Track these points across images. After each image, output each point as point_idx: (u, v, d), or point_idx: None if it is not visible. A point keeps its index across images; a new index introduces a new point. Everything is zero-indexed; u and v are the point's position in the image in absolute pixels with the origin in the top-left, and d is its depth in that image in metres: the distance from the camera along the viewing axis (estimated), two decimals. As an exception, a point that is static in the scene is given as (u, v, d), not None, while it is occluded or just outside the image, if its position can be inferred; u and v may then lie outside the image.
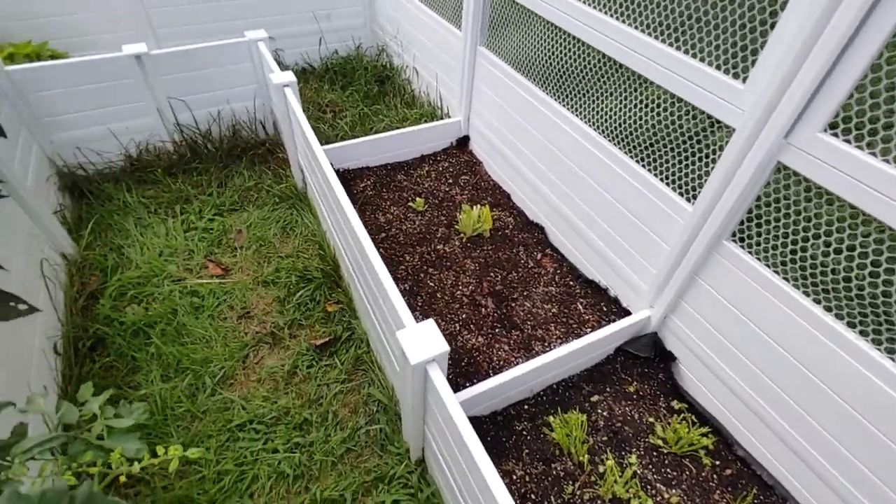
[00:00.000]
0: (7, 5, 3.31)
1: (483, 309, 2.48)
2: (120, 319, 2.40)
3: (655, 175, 2.04)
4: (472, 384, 1.93)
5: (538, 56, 2.55)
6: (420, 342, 1.43)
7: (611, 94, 2.17)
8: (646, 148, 2.06)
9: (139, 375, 2.24)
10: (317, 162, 2.31)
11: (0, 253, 1.89)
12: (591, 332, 2.34)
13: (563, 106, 2.47)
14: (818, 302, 1.57)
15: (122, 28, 3.70)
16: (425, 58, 3.79)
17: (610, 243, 2.40)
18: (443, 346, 1.43)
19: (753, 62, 1.50)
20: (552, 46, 2.43)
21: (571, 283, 2.64)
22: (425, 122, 3.73)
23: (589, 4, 2.08)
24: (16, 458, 1.05)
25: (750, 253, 1.74)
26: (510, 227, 2.97)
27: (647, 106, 1.99)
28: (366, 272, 1.95)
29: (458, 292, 2.55)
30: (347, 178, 3.21)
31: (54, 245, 2.52)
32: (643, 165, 2.08)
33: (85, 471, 1.14)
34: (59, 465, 1.10)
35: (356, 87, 4.21)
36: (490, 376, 2.14)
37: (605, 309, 2.50)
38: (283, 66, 4.26)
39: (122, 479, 1.20)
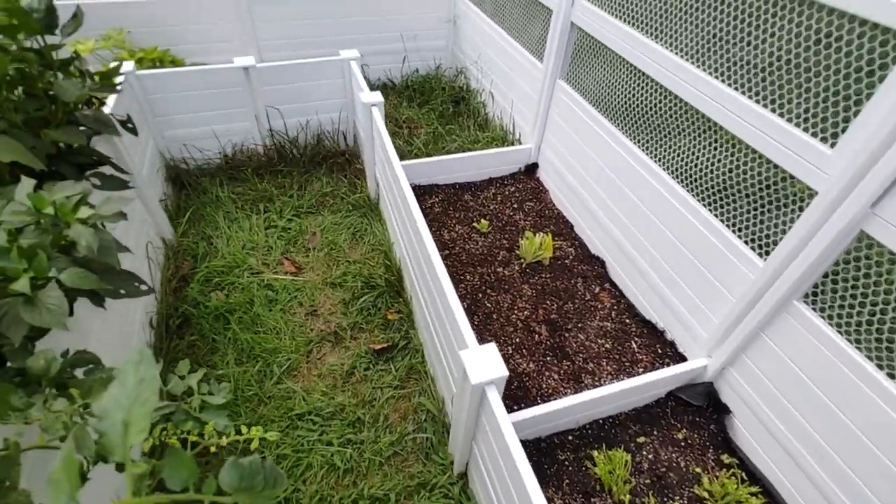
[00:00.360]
0: (139, 13, 3.77)
1: (536, 335, 2.54)
2: (205, 303, 2.66)
3: (727, 225, 2.03)
4: (520, 408, 2.00)
5: (615, 94, 2.61)
6: (481, 364, 1.53)
7: (684, 138, 2.19)
8: (719, 198, 2.06)
9: (217, 356, 2.47)
10: (395, 177, 2.48)
11: (122, 236, 2.18)
12: (643, 372, 2.34)
13: (636, 144, 2.50)
14: (892, 377, 1.52)
15: (230, 39, 4.09)
16: (503, 84, 3.92)
17: (671, 286, 2.39)
18: (502, 371, 1.51)
19: (844, 129, 1.50)
20: (631, 86, 2.48)
21: (627, 320, 2.65)
22: (496, 145, 3.85)
23: (674, 51, 2.12)
24: (136, 419, 1.24)
25: (822, 317, 1.70)
26: (570, 257, 3.01)
27: (720, 153, 2.00)
28: (431, 287, 2.07)
29: (514, 316, 2.63)
30: (417, 193, 3.37)
31: (158, 230, 2.84)
32: (715, 215, 2.08)
33: (185, 437, 1.32)
34: (170, 429, 1.28)
35: (433, 105, 4.40)
36: (537, 403, 2.19)
37: (659, 351, 2.48)
38: (367, 81, 4.53)
39: (213, 449, 1.38)
